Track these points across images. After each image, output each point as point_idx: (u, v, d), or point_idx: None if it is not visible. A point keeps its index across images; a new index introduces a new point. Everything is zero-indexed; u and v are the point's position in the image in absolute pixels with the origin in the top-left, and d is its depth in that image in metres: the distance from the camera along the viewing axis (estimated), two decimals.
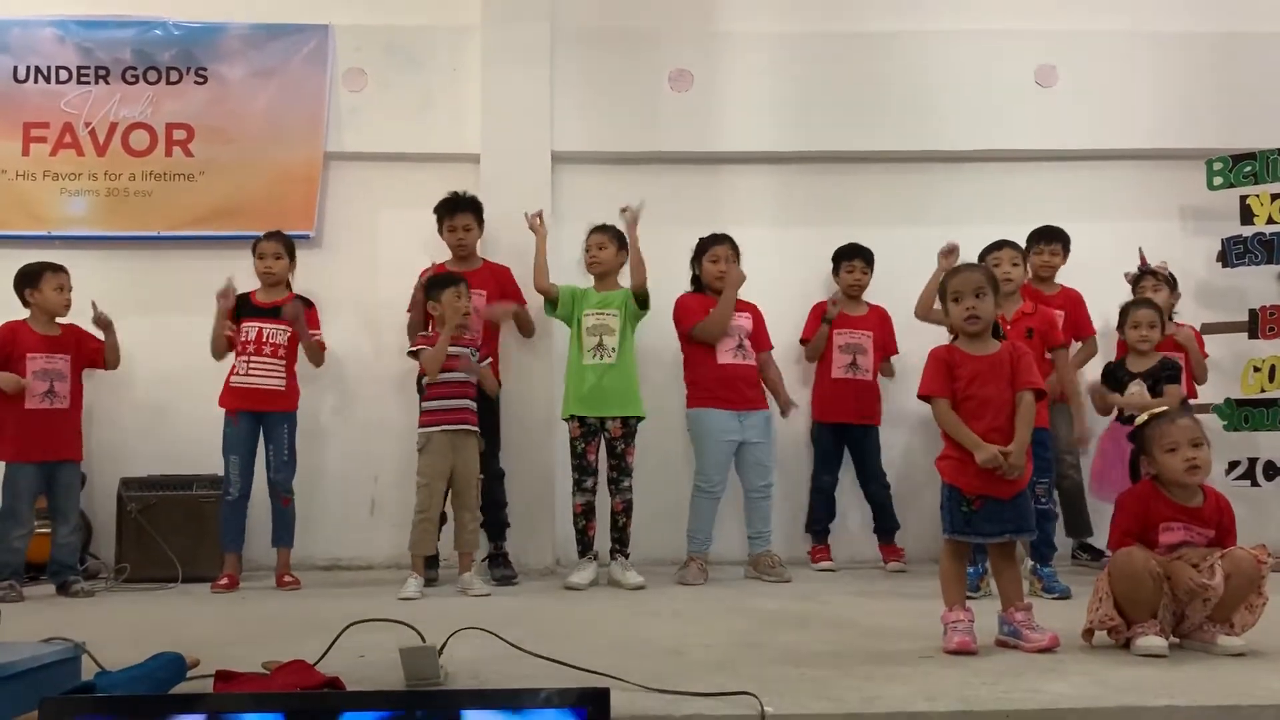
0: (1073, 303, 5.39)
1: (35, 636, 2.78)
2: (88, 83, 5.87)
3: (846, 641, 3.33)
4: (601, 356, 5.03)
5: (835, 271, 5.71)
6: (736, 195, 5.99)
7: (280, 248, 5.23)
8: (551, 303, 5.15)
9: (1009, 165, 5.98)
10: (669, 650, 3.17)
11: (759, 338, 5.36)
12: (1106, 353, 5.46)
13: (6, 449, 4.91)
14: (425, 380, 4.81)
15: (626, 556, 4.98)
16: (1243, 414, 5.49)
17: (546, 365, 5.55)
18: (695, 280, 5.35)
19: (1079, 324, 5.39)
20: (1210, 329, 5.61)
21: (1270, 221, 5.55)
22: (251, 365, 5.10)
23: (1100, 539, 4.92)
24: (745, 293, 5.35)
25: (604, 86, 5.93)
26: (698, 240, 5.34)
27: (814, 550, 5.55)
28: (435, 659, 2.69)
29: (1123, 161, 5.97)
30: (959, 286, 3.30)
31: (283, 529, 5.12)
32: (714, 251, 5.26)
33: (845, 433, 5.59)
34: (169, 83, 5.88)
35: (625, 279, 5.14)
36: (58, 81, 5.86)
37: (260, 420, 5.12)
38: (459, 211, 5.30)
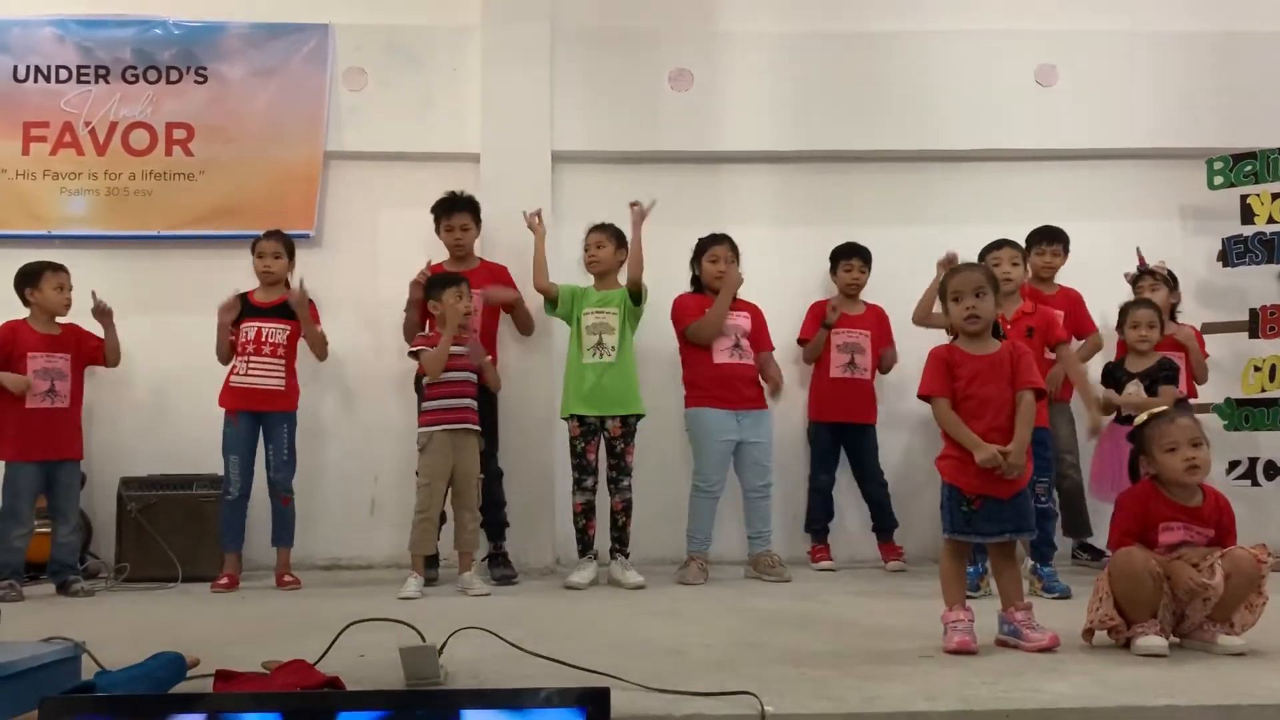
0: (1072, 302, 5.40)
1: (35, 636, 2.78)
2: (88, 82, 5.86)
3: (846, 641, 3.33)
4: (601, 355, 5.03)
5: (833, 270, 5.72)
6: (736, 195, 5.99)
7: (280, 247, 5.23)
8: (551, 302, 5.15)
9: (1009, 165, 5.99)
10: (669, 650, 3.17)
11: (759, 338, 5.35)
12: (1106, 353, 5.46)
13: (7, 448, 4.91)
14: (426, 380, 4.81)
15: (626, 556, 4.98)
16: (1243, 413, 5.49)
17: (546, 364, 5.55)
18: (695, 280, 5.35)
19: (1079, 323, 5.40)
20: (1211, 328, 5.61)
21: (1271, 221, 5.55)
22: (251, 365, 5.10)
23: (1100, 539, 4.92)
24: (745, 292, 5.36)
25: (604, 86, 5.93)
26: (697, 240, 5.34)
27: (814, 550, 5.55)
28: (435, 659, 2.69)
29: (1123, 161, 5.97)
30: (959, 286, 3.30)
31: (283, 529, 5.12)
32: (713, 251, 5.26)
33: (842, 432, 5.59)
34: (169, 82, 5.88)
35: (625, 277, 5.14)
36: (58, 81, 5.86)
37: (260, 420, 5.12)
38: (456, 211, 5.30)
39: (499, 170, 5.67)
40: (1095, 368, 5.31)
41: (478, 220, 5.37)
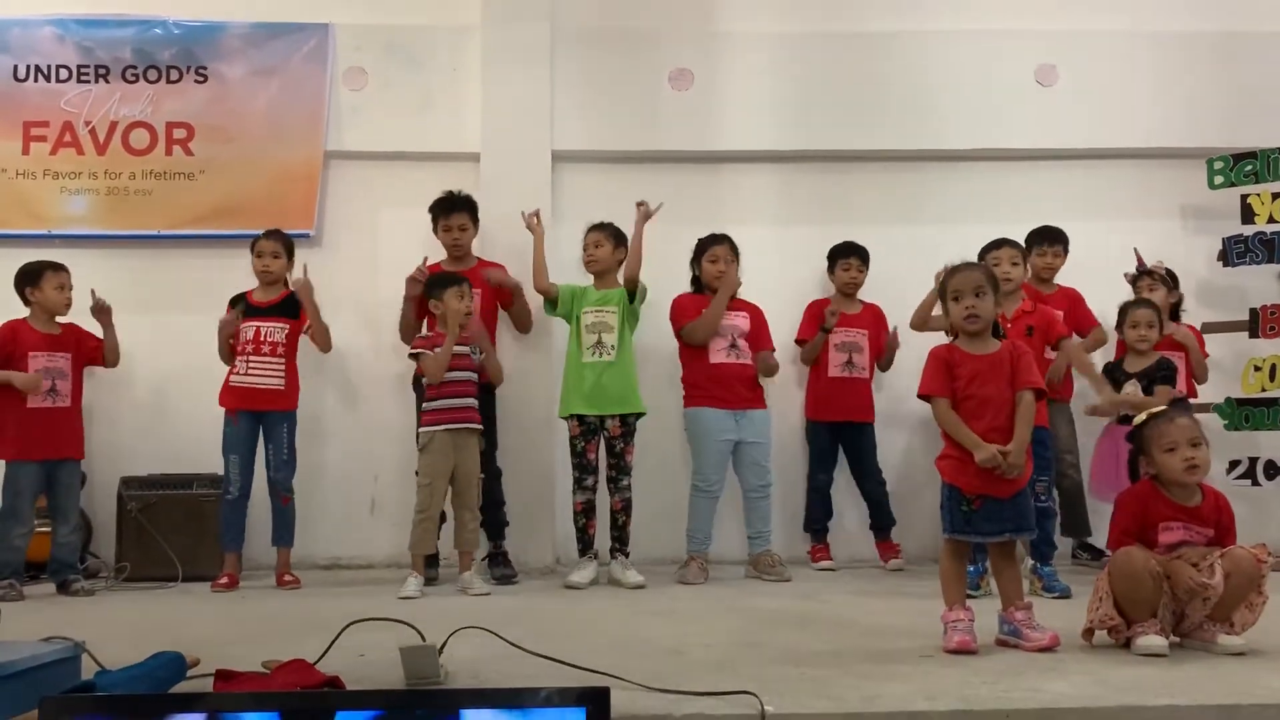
0: (1071, 301, 5.39)
1: (35, 635, 2.78)
2: (88, 82, 5.86)
3: (846, 641, 3.33)
4: (600, 354, 5.03)
5: (831, 269, 5.72)
6: (736, 194, 5.99)
7: (279, 246, 5.23)
8: (551, 302, 5.15)
9: (1009, 164, 5.98)
10: (669, 649, 3.17)
11: (759, 337, 5.35)
12: (1106, 353, 5.46)
13: (8, 448, 4.91)
14: (427, 382, 4.80)
15: (626, 555, 4.98)
16: (1243, 413, 5.49)
17: (546, 364, 5.55)
18: (695, 281, 5.35)
19: (1080, 320, 5.38)
20: (1211, 328, 5.61)
21: (1271, 220, 5.54)
22: (250, 365, 5.10)
23: (1100, 538, 4.92)
24: (745, 292, 5.36)
25: (604, 86, 5.93)
26: (697, 240, 5.34)
27: (813, 549, 5.55)
28: (435, 658, 2.69)
29: (1123, 160, 5.97)
30: (959, 285, 3.30)
31: (283, 528, 5.12)
32: (713, 251, 5.26)
33: (841, 431, 5.59)
34: (169, 82, 5.88)
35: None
36: (58, 80, 5.86)
37: (260, 419, 5.12)
38: (454, 211, 5.29)
39: (499, 170, 5.67)
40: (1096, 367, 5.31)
41: (475, 220, 5.37)
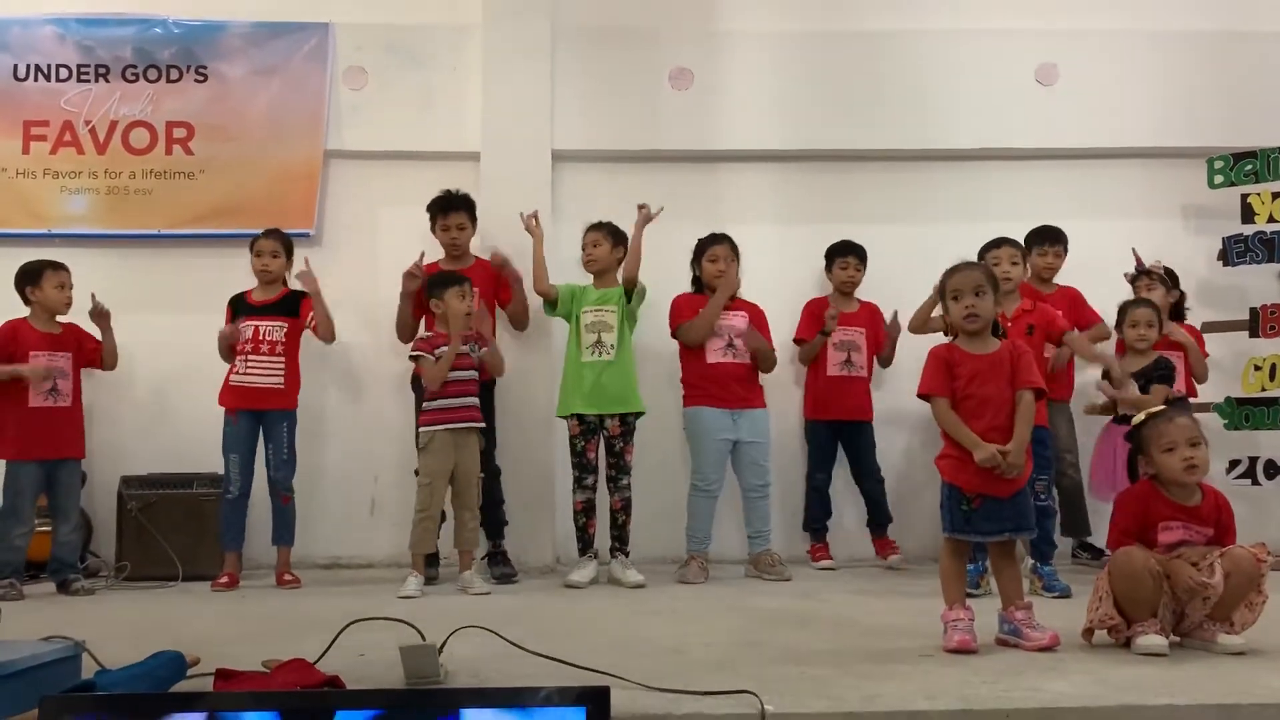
0: (1071, 301, 5.38)
1: (35, 635, 2.78)
2: (88, 81, 5.86)
3: (847, 640, 3.34)
4: (600, 354, 5.03)
5: (828, 268, 5.71)
6: (736, 194, 5.98)
7: (278, 245, 5.23)
8: (551, 303, 5.15)
9: (1009, 164, 5.98)
10: (669, 649, 3.17)
11: None
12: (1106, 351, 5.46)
13: (8, 447, 4.91)
14: (426, 384, 4.80)
15: (626, 555, 4.98)
16: (1243, 413, 5.49)
17: (546, 363, 5.55)
18: (696, 281, 5.35)
19: (1081, 317, 5.35)
20: (1211, 327, 5.61)
21: (1271, 220, 5.55)
22: (249, 364, 5.10)
23: (1099, 538, 4.92)
24: (745, 291, 5.36)
25: (604, 85, 5.93)
26: (698, 240, 5.34)
27: (813, 549, 5.55)
28: (435, 657, 2.69)
29: (1123, 160, 5.96)
30: (958, 285, 3.30)
31: (283, 527, 5.12)
32: (713, 251, 5.26)
33: (839, 430, 5.59)
34: (169, 81, 5.88)
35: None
36: (58, 80, 5.86)
37: (259, 419, 5.12)
38: (452, 210, 5.29)
39: (499, 169, 5.67)
40: (1096, 368, 5.32)
41: (474, 219, 5.36)
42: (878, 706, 2.41)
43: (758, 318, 5.35)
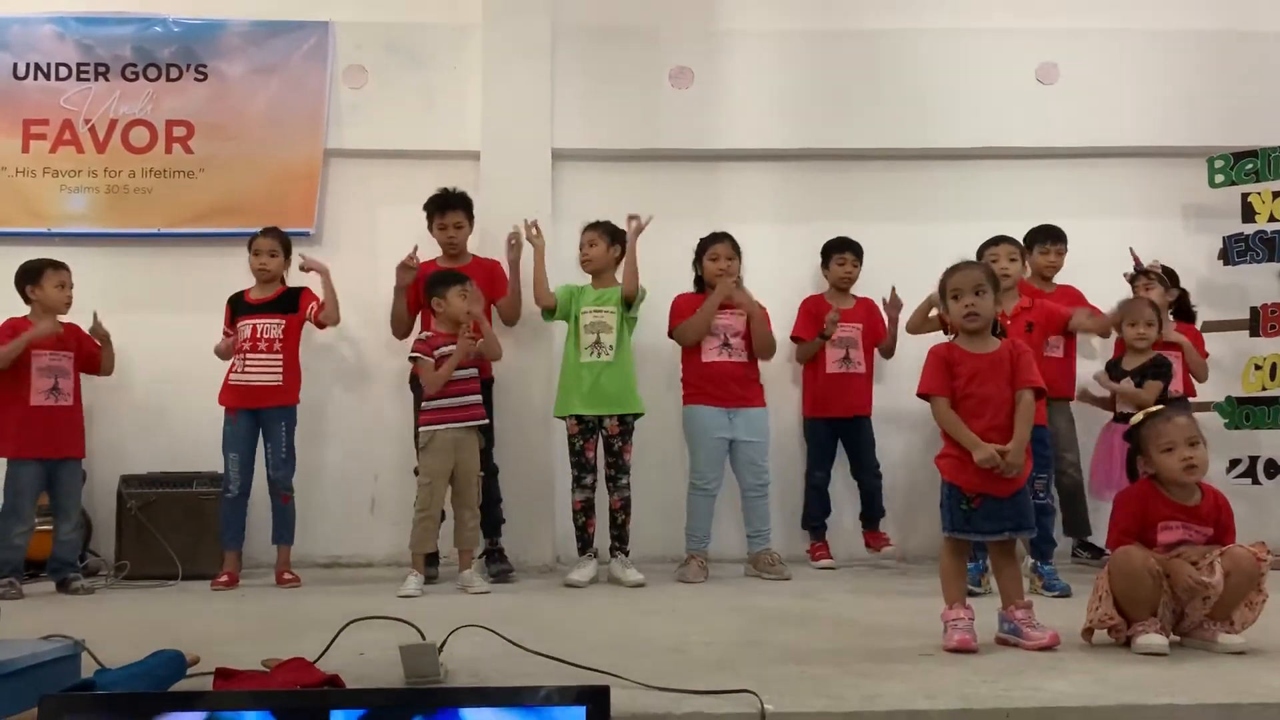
0: (1071, 300, 5.38)
1: (35, 634, 2.79)
2: (87, 79, 5.86)
3: (846, 639, 3.33)
4: (599, 354, 5.02)
5: (825, 265, 5.71)
6: (736, 193, 5.98)
7: (276, 244, 5.23)
8: (549, 310, 5.14)
9: (1010, 162, 5.97)
10: (669, 648, 3.17)
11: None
12: (1106, 351, 5.46)
13: (9, 445, 4.91)
14: (425, 385, 4.79)
15: (626, 554, 4.98)
16: (1244, 412, 5.49)
17: (545, 363, 5.54)
18: (698, 280, 5.34)
19: None
20: (1211, 327, 5.61)
21: (1271, 219, 5.55)
22: (248, 362, 5.10)
23: (1100, 537, 4.92)
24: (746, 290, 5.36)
25: (604, 84, 5.92)
26: (699, 240, 5.33)
27: (813, 548, 5.55)
28: (435, 657, 2.69)
29: (1124, 159, 5.96)
30: (959, 284, 3.29)
31: (283, 526, 5.12)
32: (714, 250, 5.25)
33: (839, 427, 5.59)
34: (169, 79, 5.87)
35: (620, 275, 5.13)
36: (57, 78, 5.85)
37: (259, 417, 5.12)
38: (450, 209, 5.28)
39: (499, 168, 5.67)
40: (1096, 365, 5.32)
41: (471, 218, 5.35)
42: (878, 706, 2.41)
43: (762, 317, 5.33)
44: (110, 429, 5.63)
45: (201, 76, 5.88)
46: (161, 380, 5.69)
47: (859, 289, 5.71)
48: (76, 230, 5.75)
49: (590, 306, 5.08)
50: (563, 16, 5.87)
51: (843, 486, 5.66)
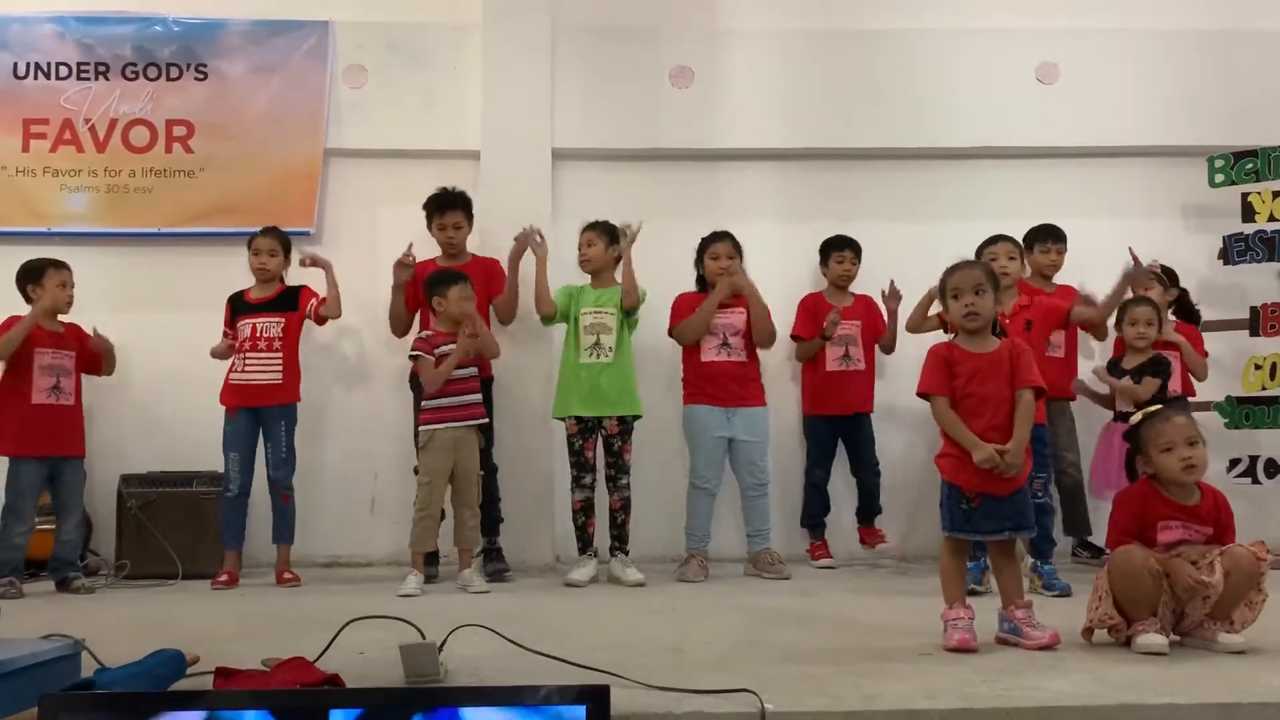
0: (1070, 299, 5.38)
1: (35, 633, 2.79)
2: (88, 79, 5.86)
3: (846, 639, 3.33)
4: (599, 355, 5.02)
5: (824, 262, 5.71)
6: (737, 192, 5.98)
7: (275, 244, 5.23)
8: (549, 318, 5.14)
9: (1010, 162, 5.98)
10: (669, 647, 3.17)
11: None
12: (1106, 350, 5.46)
13: (10, 444, 4.91)
14: (425, 384, 4.79)
15: (626, 553, 4.98)
16: (1243, 411, 5.49)
17: (545, 363, 5.54)
18: (700, 280, 5.33)
19: None
20: (1211, 326, 5.61)
21: (1271, 219, 5.55)
22: (248, 361, 5.11)
23: (1099, 537, 4.92)
24: None
25: (605, 83, 5.92)
26: (700, 239, 5.33)
27: (813, 547, 5.55)
28: (435, 656, 2.69)
29: (1124, 159, 5.96)
30: (958, 283, 3.29)
31: (283, 526, 5.12)
32: (714, 249, 5.25)
33: (838, 425, 5.59)
34: (169, 79, 5.87)
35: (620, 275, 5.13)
36: (57, 78, 5.85)
37: (259, 416, 5.12)
38: (449, 209, 5.27)
39: (499, 168, 5.67)
40: (1095, 363, 5.32)
41: (470, 217, 5.35)
42: (877, 705, 2.41)
43: (762, 308, 5.31)
44: (110, 428, 5.63)
45: (201, 76, 5.88)
46: (161, 380, 5.69)
47: (858, 288, 5.71)
48: (77, 230, 5.75)
49: (590, 307, 5.08)
50: (563, 16, 5.87)
51: (842, 485, 5.67)
